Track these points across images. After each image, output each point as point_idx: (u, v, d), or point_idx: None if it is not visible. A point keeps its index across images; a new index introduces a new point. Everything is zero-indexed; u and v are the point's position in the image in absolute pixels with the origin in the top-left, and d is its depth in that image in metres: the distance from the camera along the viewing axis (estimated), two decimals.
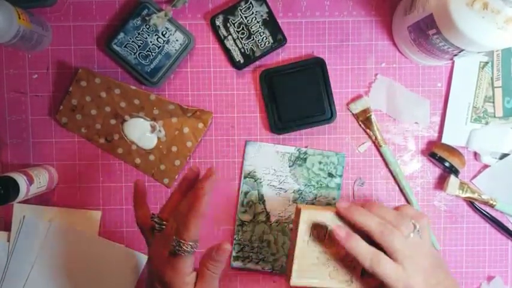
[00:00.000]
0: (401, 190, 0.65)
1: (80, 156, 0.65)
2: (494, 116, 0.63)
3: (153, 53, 0.62)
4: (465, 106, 0.63)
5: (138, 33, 0.61)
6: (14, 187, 0.56)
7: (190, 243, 0.45)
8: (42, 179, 0.60)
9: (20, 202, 0.61)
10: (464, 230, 0.65)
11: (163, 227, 0.48)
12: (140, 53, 0.62)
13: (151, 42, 0.62)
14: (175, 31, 0.61)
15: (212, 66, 0.64)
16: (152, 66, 0.62)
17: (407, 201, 0.65)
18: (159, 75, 0.62)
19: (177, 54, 0.62)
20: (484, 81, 0.63)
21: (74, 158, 0.65)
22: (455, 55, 0.55)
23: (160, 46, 0.62)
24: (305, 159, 0.64)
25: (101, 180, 0.65)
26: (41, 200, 0.65)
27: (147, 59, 0.62)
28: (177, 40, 0.62)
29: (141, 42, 0.62)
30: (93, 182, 0.65)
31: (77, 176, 0.65)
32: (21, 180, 0.57)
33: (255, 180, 0.65)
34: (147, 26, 0.61)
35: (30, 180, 0.58)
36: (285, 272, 0.64)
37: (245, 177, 0.65)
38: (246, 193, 0.65)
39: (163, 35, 0.61)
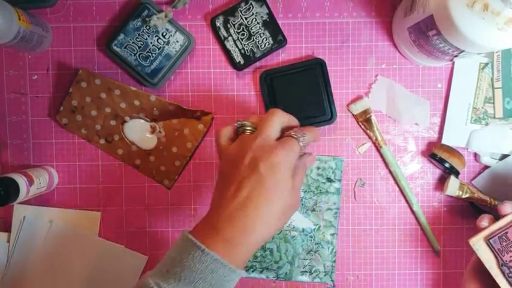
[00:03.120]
0: (401, 191, 0.65)
1: (80, 157, 0.65)
2: (494, 117, 0.63)
3: (153, 54, 0.62)
4: (465, 107, 0.63)
5: (138, 35, 0.61)
6: (14, 188, 0.56)
7: (302, 134, 0.49)
8: (42, 180, 0.60)
9: (20, 203, 0.61)
10: (464, 230, 0.65)
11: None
12: (140, 54, 0.62)
13: (151, 43, 0.62)
14: (175, 32, 0.62)
15: (212, 67, 0.64)
16: (152, 67, 0.62)
17: (408, 201, 0.65)
18: (159, 76, 0.62)
19: (177, 55, 0.62)
20: (484, 82, 0.63)
21: (74, 159, 0.65)
22: (456, 56, 0.55)
23: (160, 47, 0.62)
24: None
25: (101, 181, 0.65)
26: (41, 200, 0.65)
27: (147, 60, 0.62)
28: (177, 41, 0.62)
29: (141, 43, 0.62)
30: (93, 182, 0.65)
31: (77, 176, 0.65)
32: (21, 181, 0.57)
33: None
34: (147, 27, 0.61)
35: (30, 181, 0.58)
36: (289, 279, 0.65)
37: None
38: None
39: (164, 36, 0.61)
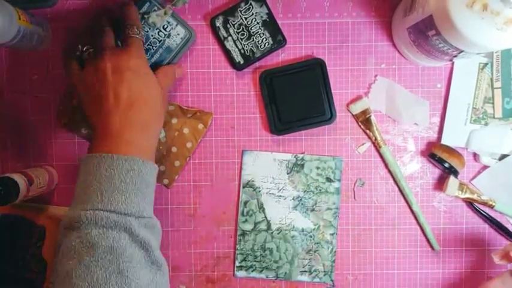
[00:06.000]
0: (400, 191, 0.65)
1: (80, 156, 0.65)
2: (494, 117, 0.63)
3: (154, 47, 0.61)
4: (465, 107, 0.63)
5: None
6: (14, 187, 0.56)
7: (135, 27, 0.54)
8: (42, 179, 0.60)
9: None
10: (463, 230, 0.65)
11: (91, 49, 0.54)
12: None
13: (152, 36, 0.61)
14: (176, 25, 0.61)
15: (212, 67, 0.65)
16: (153, 60, 0.62)
17: (407, 201, 0.65)
18: None
19: (178, 49, 0.62)
20: (484, 82, 0.63)
21: (74, 158, 0.65)
22: (455, 56, 0.55)
23: (161, 40, 0.61)
24: (303, 166, 0.64)
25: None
26: (41, 200, 0.65)
27: (147, 53, 0.61)
28: (178, 34, 0.61)
29: None
30: None
31: (76, 176, 0.65)
32: (21, 180, 0.57)
33: (254, 189, 0.65)
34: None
35: (30, 181, 0.58)
36: (289, 279, 0.65)
37: (244, 187, 0.65)
38: (245, 202, 0.65)
39: (165, 29, 0.61)
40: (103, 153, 0.47)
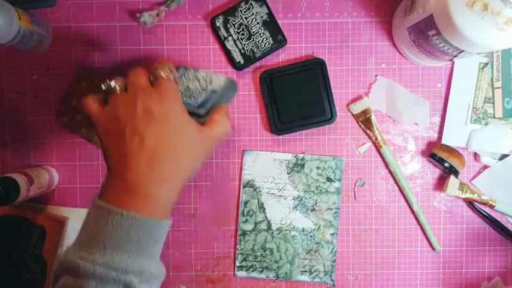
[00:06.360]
0: (401, 190, 0.65)
1: (80, 156, 0.65)
2: (494, 117, 0.63)
3: (196, 93, 0.54)
4: (465, 107, 0.63)
5: (184, 83, 0.55)
6: (14, 187, 0.56)
7: (167, 67, 0.48)
8: (42, 180, 0.60)
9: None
10: (463, 230, 0.65)
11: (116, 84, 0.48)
12: (184, 96, 0.53)
13: (194, 86, 0.54)
14: (216, 74, 0.56)
15: (212, 67, 0.65)
16: (199, 101, 0.54)
17: (407, 201, 0.65)
18: (208, 106, 0.54)
19: (222, 90, 0.55)
20: (484, 82, 0.63)
21: (74, 159, 0.65)
22: (455, 56, 0.55)
23: (203, 87, 0.55)
24: (303, 165, 0.64)
25: (101, 180, 0.65)
26: (41, 200, 0.65)
27: (191, 99, 0.54)
28: (219, 78, 0.56)
29: (185, 88, 0.54)
30: (93, 182, 0.65)
31: (77, 176, 0.65)
32: (21, 180, 0.57)
33: (254, 189, 0.65)
34: (188, 75, 0.55)
35: (31, 181, 0.58)
36: (289, 279, 0.65)
37: (244, 187, 0.65)
38: (245, 202, 0.65)
39: (204, 80, 0.55)
40: (113, 208, 0.43)
